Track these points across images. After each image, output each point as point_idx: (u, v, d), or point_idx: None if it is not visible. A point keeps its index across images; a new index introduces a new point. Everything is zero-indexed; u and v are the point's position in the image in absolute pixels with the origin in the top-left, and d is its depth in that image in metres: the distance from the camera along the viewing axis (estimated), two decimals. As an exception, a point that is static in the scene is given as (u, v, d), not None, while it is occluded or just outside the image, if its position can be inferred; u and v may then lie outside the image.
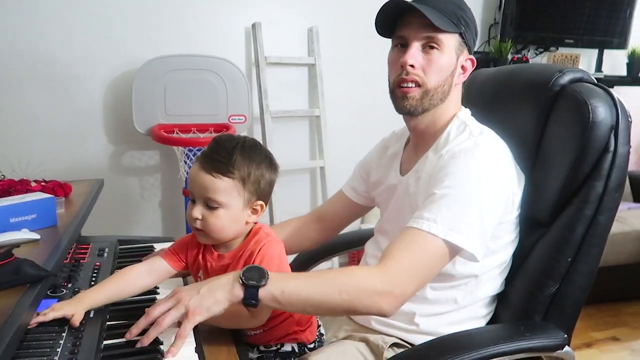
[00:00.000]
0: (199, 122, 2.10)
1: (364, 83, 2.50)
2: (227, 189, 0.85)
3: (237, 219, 0.88)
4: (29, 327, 0.77)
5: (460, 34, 0.96)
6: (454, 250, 0.87)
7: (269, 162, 0.90)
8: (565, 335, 0.91)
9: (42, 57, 2.05)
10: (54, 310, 0.81)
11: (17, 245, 0.96)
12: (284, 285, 0.78)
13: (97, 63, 2.13)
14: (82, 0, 2.07)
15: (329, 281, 0.81)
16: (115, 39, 2.14)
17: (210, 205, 0.86)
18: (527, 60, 2.84)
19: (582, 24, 2.88)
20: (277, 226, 1.31)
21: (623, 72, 3.12)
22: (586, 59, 3.09)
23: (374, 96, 2.28)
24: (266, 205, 0.92)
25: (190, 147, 2.04)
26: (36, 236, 1.03)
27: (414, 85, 0.95)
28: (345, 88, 2.55)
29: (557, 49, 2.96)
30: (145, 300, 0.94)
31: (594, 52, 3.05)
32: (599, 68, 3.05)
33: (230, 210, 0.86)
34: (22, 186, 1.27)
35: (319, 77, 2.45)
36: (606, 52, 3.04)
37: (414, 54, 0.94)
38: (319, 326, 1.02)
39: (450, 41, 0.95)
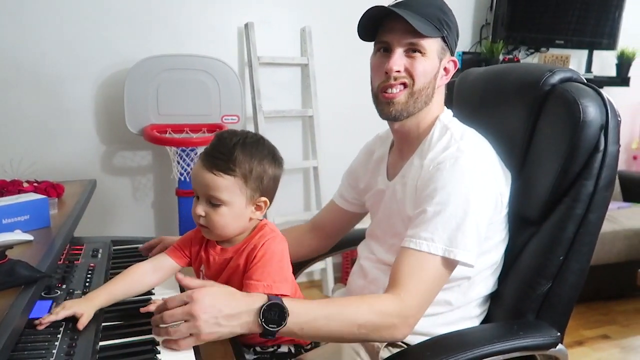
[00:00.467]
0: (191, 122, 2.10)
1: (357, 83, 2.49)
2: (228, 187, 0.85)
3: (240, 216, 0.89)
4: (40, 327, 0.78)
5: (443, 38, 0.96)
6: (453, 265, 0.89)
7: (272, 158, 0.90)
8: (559, 334, 0.92)
9: (33, 57, 2.04)
10: (65, 309, 0.81)
11: (10, 246, 0.95)
12: (303, 323, 0.79)
13: (88, 62, 2.12)
14: (73, 0, 2.05)
15: (349, 316, 0.82)
16: (107, 38, 2.13)
17: (213, 202, 0.86)
18: (518, 61, 2.86)
19: (572, 25, 2.91)
20: None
21: (612, 72, 3.15)
22: (576, 60, 3.12)
23: (367, 96, 2.28)
24: (271, 201, 0.92)
25: (183, 147, 2.04)
26: (29, 237, 1.02)
27: (402, 87, 0.95)
28: (338, 88, 2.55)
29: (548, 49, 2.99)
30: (140, 300, 0.94)
31: (584, 53, 3.08)
32: (588, 69, 3.08)
33: (233, 207, 0.87)
34: (14, 187, 1.26)
35: (312, 77, 2.46)
36: (596, 52, 3.07)
37: (397, 60, 0.94)
38: None
39: (433, 45, 0.95)
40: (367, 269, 1.08)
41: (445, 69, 1.00)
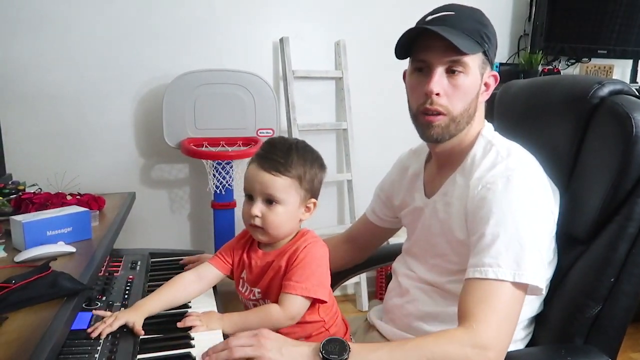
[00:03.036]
0: (227, 136, 2.13)
1: (391, 96, 2.48)
2: (285, 187, 0.89)
3: (294, 216, 0.92)
4: (95, 337, 0.81)
5: (484, 52, 0.92)
6: (524, 289, 0.84)
7: (320, 162, 0.94)
8: (610, 359, 0.87)
9: (76, 75, 2.12)
10: (117, 319, 0.84)
11: (54, 258, 0.98)
12: (364, 358, 0.77)
13: (128, 79, 2.19)
14: (113, 18, 2.13)
15: (414, 352, 0.78)
16: (146, 55, 2.19)
17: (270, 202, 0.90)
18: (558, 72, 2.78)
19: (614, 34, 2.81)
20: None
21: (659, 82, 3.02)
22: (620, 70, 3.01)
23: (401, 109, 2.26)
24: (316, 202, 0.96)
25: (219, 161, 2.07)
26: (72, 249, 1.05)
27: (438, 115, 0.91)
28: (372, 101, 2.54)
29: (590, 59, 2.90)
30: (177, 314, 0.94)
31: (628, 63, 2.97)
32: (633, 79, 2.96)
33: (288, 207, 0.90)
34: (58, 199, 1.30)
35: (346, 90, 2.45)
36: (641, 62, 2.96)
37: (438, 80, 0.89)
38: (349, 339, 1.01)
39: (474, 62, 0.91)
40: (406, 286, 1.05)
41: (486, 84, 0.96)
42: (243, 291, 0.97)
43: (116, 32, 2.14)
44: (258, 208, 0.90)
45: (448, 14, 0.91)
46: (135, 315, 0.86)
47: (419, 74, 0.93)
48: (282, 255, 0.92)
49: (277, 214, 0.90)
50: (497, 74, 0.98)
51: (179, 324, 0.89)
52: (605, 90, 0.94)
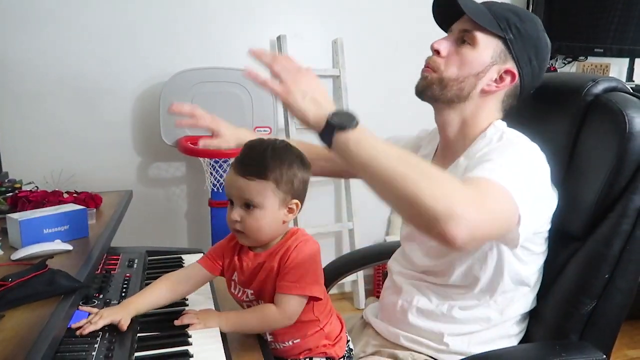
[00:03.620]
0: (225, 134, 2.12)
1: (389, 94, 2.49)
2: (261, 191, 0.87)
3: (274, 219, 0.90)
4: (81, 335, 0.80)
5: (506, 41, 0.92)
6: (514, 207, 0.78)
7: (301, 162, 0.92)
8: (604, 356, 0.88)
9: (73, 72, 2.12)
10: (102, 318, 0.83)
11: (51, 256, 0.98)
12: (366, 142, 0.74)
13: (126, 77, 2.19)
14: (112, 16, 2.13)
15: (412, 160, 0.74)
16: (144, 53, 2.19)
17: (248, 206, 0.89)
18: (555, 70, 2.79)
19: (611, 32, 2.82)
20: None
21: (655, 81, 3.03)
22: (617, 68, 3.02)
23: (398, 108, 2.27)
24: (302, 203, 0.94)
25: (216, 159, 2.07)
26: (69, 247, 1.05)
27: (431, 70, 0.95)
28: (370, 99, 2.54)
29: (587, 58, 2.90)
30: (175, 311, 0.95)
31: (625, 62, 2.98)
32: (630, 77, 2.97)
33: (267, 210, 0.88)
34: (55, 197, 1.30)
35: (344, 89, 2.45)
36: (638, 60, 2.96)
37: (444, 41, 0.95)
38: (348, 341, 1.01)
39: (487, 42, 0.92)
40: (399, 284, 1.06)
41: (501, 77, 0.94)
42: (235, 293, 0.97)
43: (113, 30, 2.14)
44: (237, 213, 0.89)
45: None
46: (122, 313, 0.85)
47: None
48: (274, 255, 0.91)
49: (256, 218, 0.88)
50: (515, 72, 0.94)
51: (177, 322, 0.89)
52: (599, 88, 0.95)
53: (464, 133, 0.97)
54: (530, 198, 0.81)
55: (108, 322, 0.83)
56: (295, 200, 0.91)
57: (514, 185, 0.78)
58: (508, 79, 0.95)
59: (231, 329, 0.90)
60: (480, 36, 0.91)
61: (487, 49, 0.92)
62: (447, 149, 1.02)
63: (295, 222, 2.32)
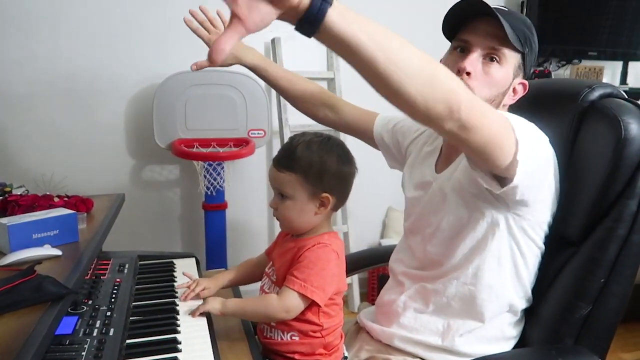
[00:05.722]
0: (218, 137, 2.11)
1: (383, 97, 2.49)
2: (290, 182, 0.91)
3: (304, 210, 0.94)
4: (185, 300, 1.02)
5: (523, 56, 0.93)
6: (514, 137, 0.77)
7: (338, 156, 0.94)
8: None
9: (63, 73, 2.09)
10: (198, 284, 1.04)
11: (39, 261, 0.96)
12: (361, 18, 0.60)
13: (119, 79, 2.17)
14: (105, 18, 2.11)
15: (401, 43, 0.63)
16: (137, 55, 2.17)
17: (282, 196, 0.94)
18: (549, 73, 2.79)
19: (605, 35, 2.83)
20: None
21: (649, 84, 3.04)
22: (610, 71, 3.03)
23: (392, 110, 2.26)
24: (340, 198, 0.96)
25: (210, 162, 2.05)
26: (58, 252, 1.03)
27: None
28: (364, 102, 2.52)
29: (580, 61, 2.91)
30: (163, 303, 1.03)
31: (618, 64, 2.99)
32: (623, 80, 2.98)
33: (296, 201, 0.93)
34: (45, 201, 1.27)
35: (339, 91, 2.45)
36: (631, 64, 2.98)
37: (474, 61, 0.90)
38: (345, 358, 1.02)
39: (511, 59, 0.92)
40: (403, 282, 1.06)
41: (514, 89, 0.96)
42: (267, 270, 1.02)
43: (106, 32, 2.12)
44: (274, 201, 0.95)
45: (502, 8, 0.92)
46: (211, 283, 1.04)
47: (457, 53, 0.94)
48: (299, 246, 0.94)
49: (287, 207, 0.93)
50: (527, 83, 0.97)
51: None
52: (595, 94, 0.95)
53: None
54: (532, 153, 0.80)
55: (202, 287, 1.03)
56: (326, 194, 0.92)
57: (519, 131, 0.77)
58: (521, 89, 0.97)
59: (232, 312, 0.94)
60: (507, 53, 0.91)
61: (511, 65, 0.93)
62: (451, 155, 1.02)
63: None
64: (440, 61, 0.97)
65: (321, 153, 0.92)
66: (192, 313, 0.96)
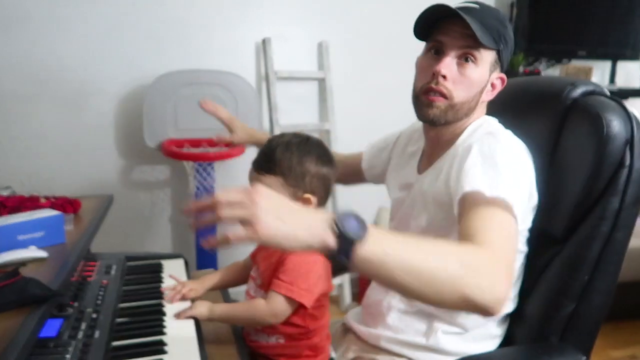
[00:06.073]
0: (209, 137, 2.10)
1: (375, 97, 2.49)
2: (270, 185, 0.89)
3: None
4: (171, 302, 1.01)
5: (498, 52, 0.93)
6: (515, 221, 0.80)
7: (318, 156, 0.93)
8: (584, 357, 0.88)
9: (53, 73, 2.08)
10: (185, 286, 1.04)
11: (23, 263, 0.96)
12: (387, 245, 0.61)
13: (108, 78, 2.15)
14: (93, 17, 2.09)
15: (441, 247, 0.68)
16: (127, 54, 2.16)
17: None
18: (539, 73, 2.81)
19: (594, 35, 2.85)
20: None
21: (637, 84, 3.07)
22: (599, 71, 3.05)
23: (384, 110, 2.27)
24: (321, 199, 0.95)
25: (200, 162, 2.05)
26: (44, 254, 1.02)
27: (441, 97, 0.92)
28: (355, 102, 2.54)
29: (570, 61, 2.93)
30: (150, 304, 1.03)
31: (607, 64, 3.01)
32: (612, 80, 3.01)
33: None
34: (32, 202, 1.27)
35: (329, 91, 2.45)
36: (620, 63, 3.00)
37: (449, 64, 0.91)
38: (332, 359, 1.02)
39: (486, 57, 0.92)
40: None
41: (492, 84, 0.97)
42: (252, 273, 1.01)
43: (96, 32, 2.11)
44: None
45: (473, 6, 0.92)
46: (197, 285, 1.05)
47: (432, 55, 0.94)
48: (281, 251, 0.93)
49: None
50: (505, 77, 0.99)
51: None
52: (577, 92, 0.96)
53: (452, 134, 0.98)
54: (522, 199, 0.85)
55: (189, 288, 1.03)
56: (308, 195, 0.92)
57: (513, 197, 0.81)
58: (499, 83, 0.98)
59: (219, 317, 0.94)
60: (482, 52, 0.91)
61: (486, 63, 0.93)
62: (433, 152, 1.02)
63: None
64: (417, 61, 0.98)
65: (301, 154, 0.91)
66: (178, 315, 0.95)
